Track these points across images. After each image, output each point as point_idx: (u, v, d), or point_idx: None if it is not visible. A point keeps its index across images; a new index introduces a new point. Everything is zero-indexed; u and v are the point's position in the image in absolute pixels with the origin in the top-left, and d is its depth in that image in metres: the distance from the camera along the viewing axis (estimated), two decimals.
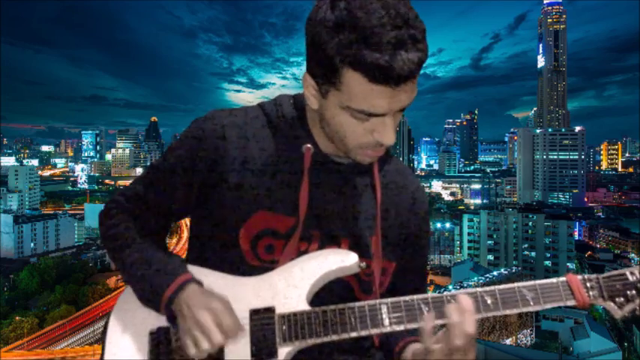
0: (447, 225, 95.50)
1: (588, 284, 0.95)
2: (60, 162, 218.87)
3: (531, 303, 0.94)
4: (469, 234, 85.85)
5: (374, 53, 0.83)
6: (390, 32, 0.83)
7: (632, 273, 0.94)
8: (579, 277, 0.95)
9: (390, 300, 0.96)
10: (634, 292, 0.93)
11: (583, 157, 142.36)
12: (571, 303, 0.94)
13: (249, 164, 1.05)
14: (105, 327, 1.08)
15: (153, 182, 1.11)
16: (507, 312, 0.94)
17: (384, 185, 1.13)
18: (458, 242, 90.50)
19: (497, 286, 0.95)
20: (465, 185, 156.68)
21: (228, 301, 0.96)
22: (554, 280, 0.95)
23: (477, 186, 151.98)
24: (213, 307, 0.92)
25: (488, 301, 0.94)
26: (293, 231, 1.03)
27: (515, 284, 0.95)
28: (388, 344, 1.15)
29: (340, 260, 1.00)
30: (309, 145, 1.04)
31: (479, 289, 0.95)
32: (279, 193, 1.04)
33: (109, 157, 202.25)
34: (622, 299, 0.93)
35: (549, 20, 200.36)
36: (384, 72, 0.84)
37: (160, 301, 0.98)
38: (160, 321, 1.02)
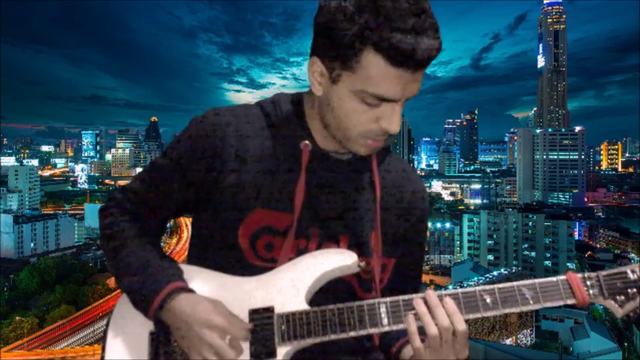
0: (447, 225, 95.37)
1: (588, 282, 0.94)
2: (60, 162, 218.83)
3: (531, 302, 0.93)
4: (469, 234, 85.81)
5: (399, 35, 0.84)
6: (412, 18, 0.85)
7: (632, 271, 0.93)
8: (579, 275, 0.95)
9: (388, 299, 0.96)
10: (635, 290, 0.92)
11: (583, 157, 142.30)
12: (571, 302, 0.93)
13: (247, 162, 1.05)
14: (106, 327, 1.08)
15: (151, 181, 1.12)
16: (507, 311, 0.94)
17: (383, 182, 1.13)
18: (458, 242, 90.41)
19: (496, 285, 0.94)
20: (465, 185, 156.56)
21: (222, 305, 0.97)
22: (554, 278, 0.94)
23: (477, 186, 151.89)
24: (216, 325, 0.93)
25: (488, 300, 0.94)
26: (291, 228, 1.03)
27: (515, 283, 0.95)
28: (385, 344, 1.15)
29: (340, 260, 1.00)
30: (306, 142, 1.05)
31: (478, 288, 0.95)
32: (277, 191, 1.04)
33: (109, 157, 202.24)
34: (622, 297, 0.92)
35: (549, 20, 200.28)
36: (407, 55, 0.85)
37: (148, 311, 1.00)
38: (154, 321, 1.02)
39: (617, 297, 0.92)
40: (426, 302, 0.94)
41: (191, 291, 1.00)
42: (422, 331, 0.94)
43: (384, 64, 0.87)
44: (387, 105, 0.93)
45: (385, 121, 0.94)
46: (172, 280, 1.01)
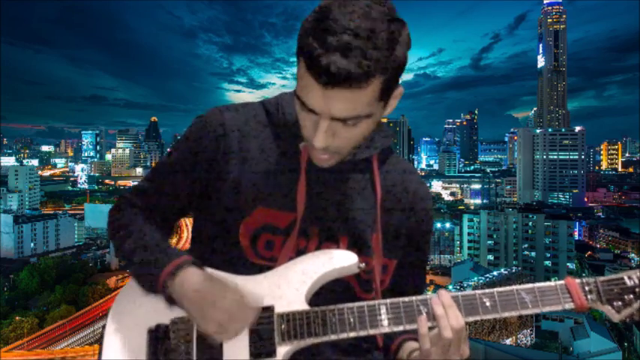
0: (447, 225, 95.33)
1: (587, 288, 0.96)
2: (60, 162, 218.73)
3: (530, 306, 0.95)
4: (469, 234, 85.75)
5: (315, 44, 0.86)
6: (343, 36, 0.84)
7: (629, 277, 0.96)
8: (578, 280, 0.96)
9: (388, 300, 0.97)
10: (631, 296, 0.95)
11: (583, 157, 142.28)
12: (569, 306, 0.95)
13: (249, 161, 1.06)
14: (104, 325, 1.08)
15: (158, 179, 1.14)
16: (506, 314, 0.95)
17: (385, 183, 1.13)
18: (458, 242, 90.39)
19: (495, 289, 0.96)
20: (465, 185, 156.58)
21: (236, 285, 0.98)
22: (552, 283, 0.96)
23: (477, 186, 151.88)
24: (223, 307, 0.94)
25: (487, 304, 0.95)
26: (292, 227, 1.04)
27: (514, 287, 0.96)
28: (384, 343, 1.15)
29: (340, 261, 1.01)
30: (306, 143, 1.05)
31: (477, 292, 0.96)
32: (278, 190, 1.05)
33: (109, 157, 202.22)
34: (620, 303, 0.94)
35: (549, 20, 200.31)
36: (314, 64, 0.86)
37: (157, 282, 1.00)
38: (158, 319, 1.02)
39: (615, 303, 0.95)
40: (442, 303, 0.95)
41: (199, 265, 1.02)
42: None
43: (306, 72, 0.89)
44: (314, 116, 0.93)
45: (313, 131, 0.95)
46: (182, 254, 1.03)
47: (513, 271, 59.76)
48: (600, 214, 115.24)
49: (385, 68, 0.87)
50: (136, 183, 1.19)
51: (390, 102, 0.97)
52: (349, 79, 0.85)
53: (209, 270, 1.03)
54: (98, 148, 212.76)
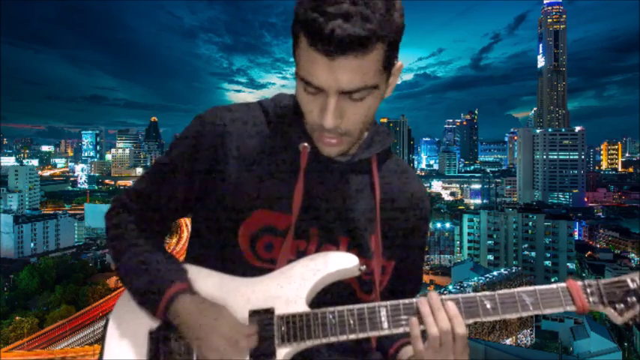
0: (447, 225, 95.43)
1: (588, 290, 0.95)
2: (60, 162, 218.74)
3: (531, 308, 0.94)
4: (469, 234, 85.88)
5: (315, 14, 0.86)
6: (342, 5, 0.85)
7: (632, 280, 0.95)
8: (579, 282, 0.95)
9: (389, 303, 0.96)
10: (634, 298, 0.94)
11: (583, 157, 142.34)
12: (571, 309, 0.94)
13: (248, 162, 1.06)
14: (105, 327, 1.08)
15: (155, 180, 1.12)
16: (507, 316, 0.95)
17: (384, 183, 1.13)
18: (458, 242, 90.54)
19: (497, 291, 0.96)
20: (465, 185, 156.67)
21: (227, 310, 0.98)
22: (554, 285, 0.95)
23: (477, 186, 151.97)
24: (221, 331, 0.94)
25: (488, 306, 0.95)
26: (290, 229, 1.04)
27: (515, 289, 0.96)
28: (383, 346, 1.16)
29: (341, 263, 1.01)
30: (305, 144, 1.04)
31: (478, 294, 0.96)
32: (277, 192, 1.04)
33: (109, 157, 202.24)
34: (622, 306, 0.94)
35: (549, 20, 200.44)
36: (318, 33, 0.86)
37: (155, 312, 1.00)
38: (159, 321, 1.03)
39: (617, 305, 0.94)
40: (429, 304, 0.95)
41: (194, 292, 1.01)
42: (423, 335, 0.95)
43: (306, 45, 0.89)
44: (321, 95, 0.93)
45: (321, 112, 0.94)
46: (176, 281, 1.01)
47: (513, 271, 59.81)
48: (600, 214, 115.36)
49: (385, 34, 0.88)
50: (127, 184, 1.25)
51: (392, 78, 0.98)
52: (353, 44, 0.86)
53: (209, 279, 1.04)
54: (98, 148, 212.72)
